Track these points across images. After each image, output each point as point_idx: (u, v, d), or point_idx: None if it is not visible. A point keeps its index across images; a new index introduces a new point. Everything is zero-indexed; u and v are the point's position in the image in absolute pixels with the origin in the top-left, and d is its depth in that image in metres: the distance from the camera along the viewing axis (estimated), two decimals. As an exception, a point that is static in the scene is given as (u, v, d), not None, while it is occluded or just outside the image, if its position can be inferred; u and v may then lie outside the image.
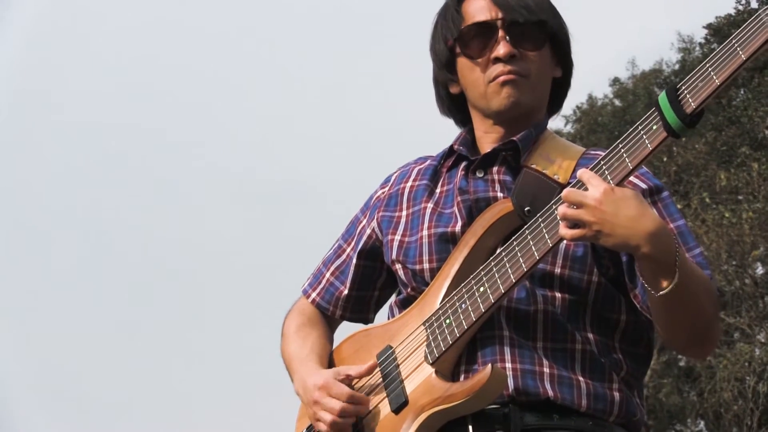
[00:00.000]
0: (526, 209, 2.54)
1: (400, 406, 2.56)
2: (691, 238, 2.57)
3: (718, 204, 20.00)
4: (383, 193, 2.86)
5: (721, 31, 21.74)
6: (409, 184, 2.81)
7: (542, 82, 2.68)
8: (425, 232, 2.68)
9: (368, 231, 2.84)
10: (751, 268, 20.26)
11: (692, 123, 2.31)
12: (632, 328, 2.61)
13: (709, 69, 2.29)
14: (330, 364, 2.78)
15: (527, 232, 2.47)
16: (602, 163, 2.40)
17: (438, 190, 2.75)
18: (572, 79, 2.78)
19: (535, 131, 2.68)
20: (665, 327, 2.47)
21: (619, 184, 2.37)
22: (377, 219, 2.82)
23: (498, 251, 2.52)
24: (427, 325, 2.58)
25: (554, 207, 2.43)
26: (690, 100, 2.30)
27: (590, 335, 2.57)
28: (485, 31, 2.66)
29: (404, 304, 2.71)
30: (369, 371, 2.64)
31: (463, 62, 2.70)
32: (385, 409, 2.60)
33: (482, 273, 2.52)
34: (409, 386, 2.57)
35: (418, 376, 2.56)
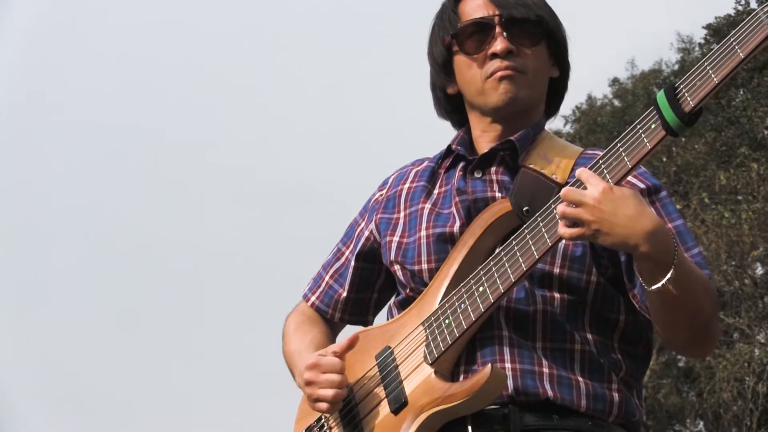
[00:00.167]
0: (524, 209, 2.54)
1: (399, 406, 2.56)
2: (689, 237, 2.57)
3: (717, 204, 20.00)
4: (381, 195, 2.86)
5: (720, 31, 21.74)
6: (407, 185, 2.81)
7: (539, 80, 2.69)
8: (423, 233, 2.68)
9: (366, 233, 2.84)
10: (750, 269, 20.26)
11: (691, 122, 2.32)
12: (631, 328, 2.61)
13: (708, 67, 2.29)
14: (329, 364, 2.78)
15: (526, 231, 2.47)
16: (601, 162, 2.40)
17: (436, 191, 2.75)
18: (570, 82, 2.79)
19: (533, 131, 2.68)
20: (664, 326, 2.47)
21: (618, 183, 2.37)
22: (375, 221, 2.82)
23: (497, 251, 2.52)
24: (426, 325, 2.58)
25: (553, 206, 2.43)
26: (688, 98, 2.31)
27: (589, 335, 2.57)
28: (482, 28, 2.66)
29: (403, 304, 2.71)
30: (351, 343, 2.65)
31: (460, 60, 2.70)
32: (384, 409, 2.59)
33: (481, 273, 2.52)
34: (409, 387, 2.56)
35: (418, 376, 2.56)
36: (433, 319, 2.57)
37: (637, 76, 26.25)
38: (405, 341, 2.62)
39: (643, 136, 2.35)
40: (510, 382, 2.50)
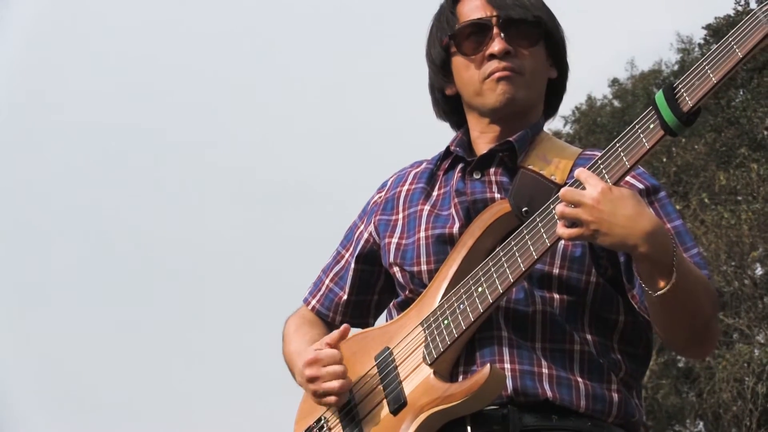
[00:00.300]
0: (523, 210, 2.53)
1: (398, 407, 2.56)
2: (688, 237, 2.57)
3: (717, 205, 20.00)
4: (380, 197, 2.86)
5: (720, 31, 21.74)
6: (406, 187, 2.81)
7: (537, 80, 2.69)
8: (423, 234, 2.68)
9: (366, 235, 2.84)
10: (750, 269, 20.26)
11: (689, 121, 2.32)
12: (631, 328, 2.61)
13: (706, 67, 2.29)
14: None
15: (525, 231, 2.47)
16: (599, 162, 2.40)
17: (435, 193, 2.75)
18: (569, 82, 2.79)
19: (532, 132, 2.68)
20: (664, 327, 2.47)
21: (617, 183, 2.37)
22: (374, 223, 2.82)
23: (496, 251, 2.52)
24: (425, 326, 2.58)
25: (552, 207, 2.43)
26: (687, 98, 2.31)
27: (589, 336, 2.57)
28: (480, 29, 2.66)
29: (402, 306, 2.71)
30: (342, 334, 2.65)
31: (458, 61, 2.70)
32: (383, 410, 2.59)
33: (480, 273, 2.52)
34: (408, 387, 2.56)
35: (417, 377, 2.56)
36: (432, 319, 2.57)
37: (637, 76, 26.26)
38: (404, 342, 2.62)
39: (641, 135, 2.35)
40: (509, 383, 2.50)
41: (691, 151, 21.29)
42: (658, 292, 2.35)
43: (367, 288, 2.87)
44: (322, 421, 2.71)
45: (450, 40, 2.70)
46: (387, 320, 2.77)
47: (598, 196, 2.33)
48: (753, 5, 2.27)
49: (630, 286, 2.56)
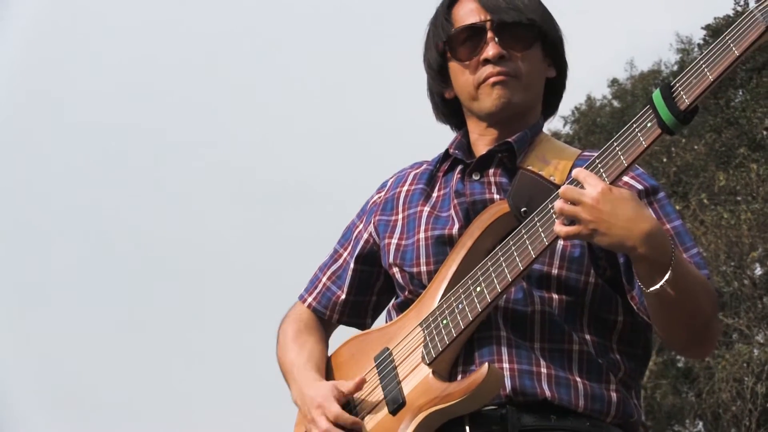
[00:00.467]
0: (522, 210, 2.53)
1: (397, 407, 2.56)
2: (688, 238, 2.57)
3: (716, 205, 20.00)
4: (379, 198, 2.86)
5: (719, 31, 21.60)
6: (405, 188, 2.81)
7: (534, 82, 2.69)
8: (422, 235, 2.68)
9: (365, 236, 2.84)
10: (749, 269, 20.26)
11: (686, 119, 2.32)
12: (630, 329, 2.61)
13: (703, 66, 2.29)
14: (328, 368, 2.78)
15: (523, 230, 2.47)
16: (597, 161, 2.40)
17: (434, 194, 2.75)
18: (567, 81, 2.78)
19: (531, 132, 2.68)
20: (663, 327, 2.47)
21: (615, 181, 2.37)
22: (374, 223, 2.82)
23: (494, 251, 2.52)
24: (424, 326, 2.58)
25: (550, 206, 2.43)
26: (684, 96, 2.31)
27: (587, 336, 2.57)
28: (474, 34, 2.66)
29: (401, 307, 2.71)
30: (359, 386, 2.62)
31: (454, 66, 2.70)
32: (382, 410, 2.59)
33: (479, 272, 2.52)
34: (407, 387, 2.56)
35: (416, 377, 2.56)
36: (431, 320, 2.57)
37: (637, 76, 26.26)
38: (403, 342, 2.62)
39: (639, 134, 2.35)
40: (508, 382, 2.50)
41: (690, 152, 21.29)
42: (652, 288, 2.35)
43: (366, 288, 2.87)
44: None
45: (445, 45, 2.70)
46: (387, 321, 2.76)
47: (598, 196, 2.33)
48: (752, 6, 2.27)
49: (629, 287, 2.56)
